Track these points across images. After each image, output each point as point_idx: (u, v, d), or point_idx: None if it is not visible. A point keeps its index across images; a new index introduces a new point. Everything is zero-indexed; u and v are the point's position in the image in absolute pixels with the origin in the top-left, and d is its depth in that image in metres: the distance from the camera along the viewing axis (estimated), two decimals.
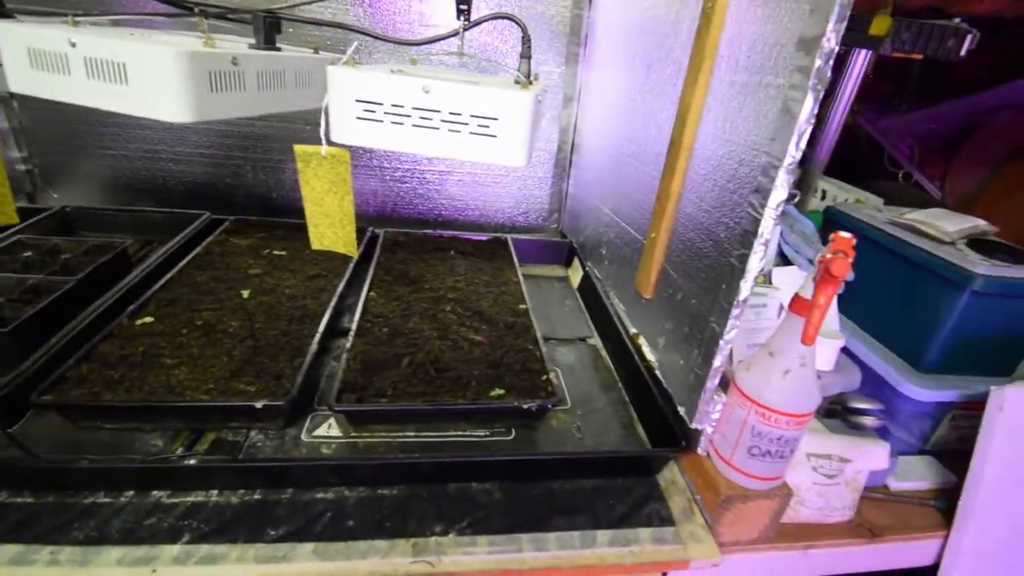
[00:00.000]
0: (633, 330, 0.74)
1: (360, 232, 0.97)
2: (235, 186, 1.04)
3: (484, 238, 1.03)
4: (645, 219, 0.73)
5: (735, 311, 0.49)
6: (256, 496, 0.52)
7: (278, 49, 0.55)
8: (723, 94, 0.54)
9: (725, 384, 0.55)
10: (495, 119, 0.48)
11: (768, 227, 0.45)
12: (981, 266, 0.63)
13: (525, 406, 0.58)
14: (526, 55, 0.58)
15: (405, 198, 1.09)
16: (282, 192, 1.05)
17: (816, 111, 0.41)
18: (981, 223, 0.73)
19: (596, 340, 0.83)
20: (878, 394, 0.69)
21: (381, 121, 0.48)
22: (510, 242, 1.02)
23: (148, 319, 0.66)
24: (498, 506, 0.53)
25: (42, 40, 0.43)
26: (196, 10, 0.53)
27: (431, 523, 0.51)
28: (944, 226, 0.71)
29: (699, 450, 0.56)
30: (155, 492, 0.51)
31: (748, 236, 0.47)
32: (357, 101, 0.48)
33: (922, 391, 0.65)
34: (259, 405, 0.54)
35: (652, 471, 0.59)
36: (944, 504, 0.63)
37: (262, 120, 0.99)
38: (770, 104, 0.46)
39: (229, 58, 0.46)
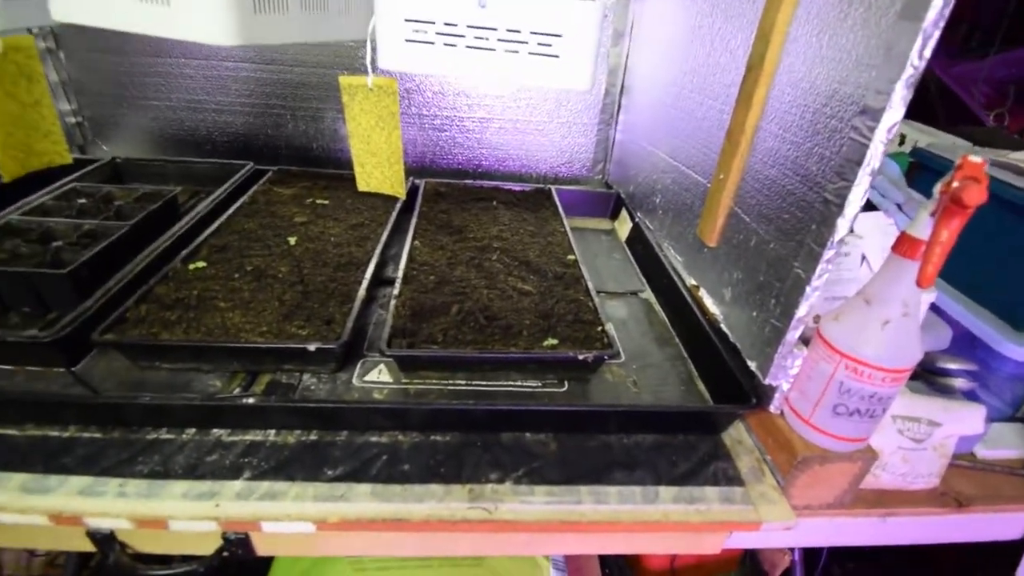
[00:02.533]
0: (692, 282, 0.70)
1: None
2: (276, 136, 1.02)
3: (527, 188, 0.99)
4: (711, 160, 0.67)
5: (827, 253, 0.44)
6: (312, 437, 0.51)
7: None
8: (816, 5, 0.47)
9: (804, 338, 0.50)
10: (558, 36, 0.43)
11: (878, 153, 0.40)
12: None
13: (580, 356, 0.55)
14: None
15: (444, 147, 1.05)
16: (322, 142, 1.03)
17: (947, 11, 0.35)
18: None
19: (648, 294, 0.79)
20: (969, 355, 0.62)
21: (432, 43, 0.45)
22: (554, 192, 0.97)
23: (200, 264, 0.66)
24: (554, 457, 0.51)
25: None
26: None
27: (486, 471, 0.49)
28: None
29: (771, 408, 0.52)
30: (215, 430, 0.51)
31: (850, 166, 0.42)
32: (407, 21, 0.44)
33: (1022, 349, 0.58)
34: (312, 348, 0.53)
35: (717, 428, 0.55)
36: None
37: (300, 67, 0.95)
38: (885, 6, 0.39)
39: None
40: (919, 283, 0.39)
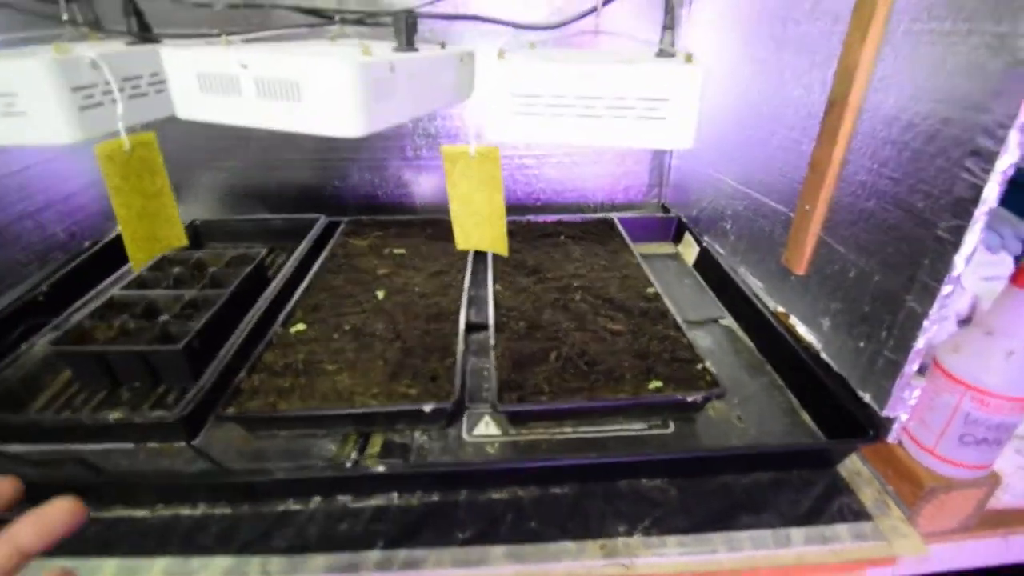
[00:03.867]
0: (780, 309, 0.70)
1: None
2: (342, 187, 1.05)
3: (590, 219, 1.00)
4: (789, 189, 0.67)
5: (945, 288, 0.44)
6: (435, 498, 0.53)
7: (416, 49, 0.53)
8: (908, 46, 0.48)
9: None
10: (664, 100, 0.44)
11: (994, 194, 0.40)
12: None
13: (689, 399, 0.56)
14: (670, 25, 0.54)
15: (504, 185, 1.07)
16: (387, 189, 1.06)
17: None
18: None
19: (729, 320, 0.79)
20: None
21: (541, 114, 0.46)
22: (617, 222, 0.98)
23: (300, 326, 0.68)
24: (675, 503, 0.51)
25: (213, 64, 0.44)
26: (336, 18, 0.52)
27: (612, 522, 0.50)
28: None
29: (890, 439, 0.52)
30: (340, 497, 0.53)
31: (963, 204, 0.42)
32: (515, 96, 0.46)
33: None
34: (427, 409, 0.55)
35: (833, 462, 0.55)
36: None
37: None
38: (989, 55, 0.39)
39: (388, 65, 0.45)
40: None
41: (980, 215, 0.41)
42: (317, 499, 0.53)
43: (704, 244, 0.90)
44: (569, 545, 0.48)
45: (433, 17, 0.55)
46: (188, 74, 0.45)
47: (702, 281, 0.89)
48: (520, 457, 0.55)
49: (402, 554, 0.48)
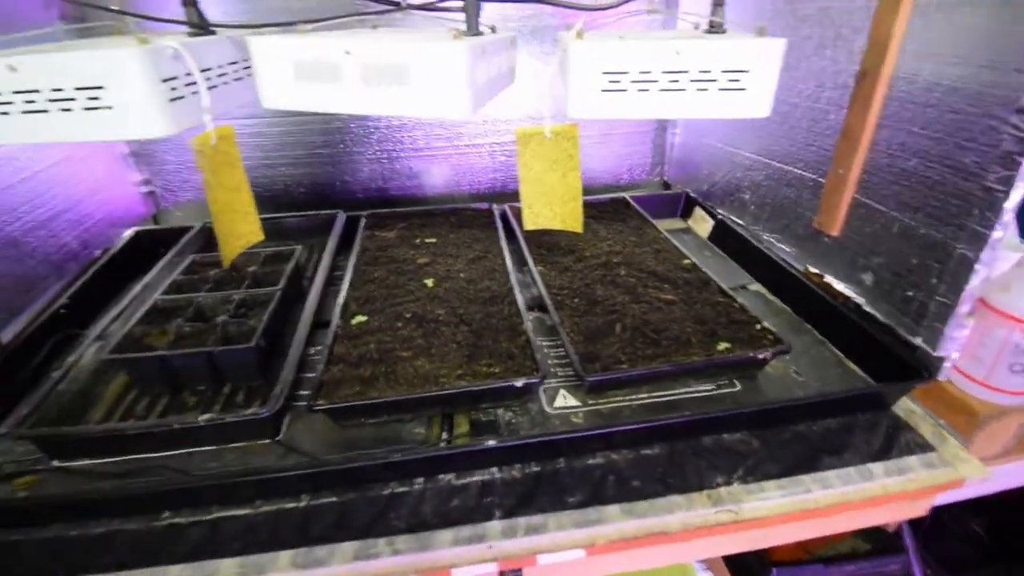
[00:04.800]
0: (812, 269, 0.75)
1: (485, 212, 0.97)
2: (352, 183, 1.04)
3: (604, 200, 1.03)
4: (816, 156, 0.72)
5: (995, 234, 0.49)
6: (535, 468, 0.54)
7: (482, 34, 0.54)
8: (943, 16, 0.53)
9: None
10: (746, 72, 0.47)
11: None
12: None
13: (761, 356, 0.60)
14: (720, 1, 0.57)
15: (514, 173, 1.08)
16: (399, 181, 1.05)
17: None
18: None
19: (757, 286, 0.84)
20: None
21: (626, 90, 0.48)
22: (631, 201, 1.01)
23: (361, 318, 0.68)
24: (761, 453, 0.55)
25: (314, 51, 0.43)
26: (403, 3, 0.52)
27: (709, 475, 0.53)
28: None
29: (940, 377, 0.58)
30: (442, 476, 0.54)
31: (1011, 157, 0.47)
32: (603, 73, 0.47)
33: None
34: (519, 384, 0.56)
35: (889, 404, 0.60)
36: None
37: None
38: None
39: (482, 48, 0.46)
40: None
41: None
42: (420, 480, 0.53)
43: (720, 216, 0.95)
44: (678, 498, 0.51)
45: (498, 0, 0.55)
46: (283, 63, 0.44)
47: (720, 252, 0.94)
48: (615, 422, 0.57)
49: (522, 521, 0.49)
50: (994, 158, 0.49)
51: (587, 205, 1.01)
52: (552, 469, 0.54)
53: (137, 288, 0.75)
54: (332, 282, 0.81)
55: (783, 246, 0.81)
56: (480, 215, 0.97)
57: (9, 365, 0.64)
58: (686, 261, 0.80)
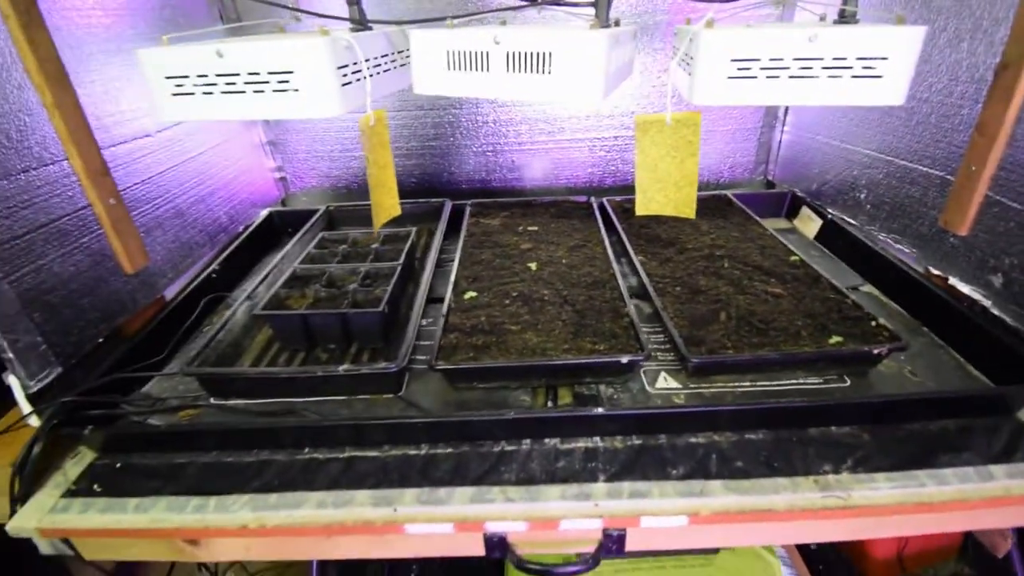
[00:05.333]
0: (935, 271, 0.71)
1: (583, 204, 1.01)
2: (457, 173, 1.11)
3: (705, 196, 1.03)
4: (945, 153, 0.69)
5: None
6: (637, 441, 0.56)
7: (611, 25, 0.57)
8: None
9: None
10: (884, 59, 0.47)
11: None
12: None
13: (875, 351, 0.58)
14: None
15: (612, 166, 1.11)
16: (500, 174, 1.11)
17: None
18: None
19: (869, 287, 0.81)
20: None
21: (755, 77, 0.50)
22: (733, 198, 1.01)
23: (472, 293, 0.73)
24: (872, 447, 0.54)
25: (465, 42, 0.49)
26: (539, 0, 0.57)
27: (816, 463, 0.53)
28: None
29: None
30: (547, 440, 0.57)
31: None
32: (732, 60, 0.49)
33: None
34: (624, 360, 0.59)
35: (1014, 409, 0.57)
36: None
37: (482, 106, 1.04)
38: None
39: (616, 37, 0.49)
40: None
41: None
42: (527, 441, 0.57)
43: (830, 216, 0.92)
44: (782, 480, 0.51)
45: None
46: (437, 52, 0.50)
47: (828, 252, 0.91)
48: (722, 402, 0.58)
49: (626, 485, 0.52)
50: None
51: None
52: (654, 444, 0.56)
53: (277, 258, 0.85)
54: (441, 264, 0.87)
55: (901, 247, 0.77)
56: (579, 207, 1.00)
57: (170, 318, 0.76)
58: (794, 257, 0.79)
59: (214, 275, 0.87)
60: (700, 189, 1.10)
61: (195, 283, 0.83)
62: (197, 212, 0.88)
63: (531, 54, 0.47)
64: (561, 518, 0.50)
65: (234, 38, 0.56)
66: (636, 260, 0.79)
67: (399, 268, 0.76)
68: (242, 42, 0.50)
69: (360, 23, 0.59)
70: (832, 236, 0.91)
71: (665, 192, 0.60)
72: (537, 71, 0.47)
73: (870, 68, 0.48)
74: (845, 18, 0.56)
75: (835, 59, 0.48)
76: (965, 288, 0.66)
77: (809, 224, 0.97)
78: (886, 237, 0.80)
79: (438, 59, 0.50)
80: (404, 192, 1.10)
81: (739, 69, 0.50)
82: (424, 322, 0.75)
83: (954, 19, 0.67)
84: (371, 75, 0.57)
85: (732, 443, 0.56)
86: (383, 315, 0.67)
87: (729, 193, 1.02)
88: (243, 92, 0.52)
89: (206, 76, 0.51)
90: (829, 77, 0.49)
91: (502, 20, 0.65)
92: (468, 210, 1.00)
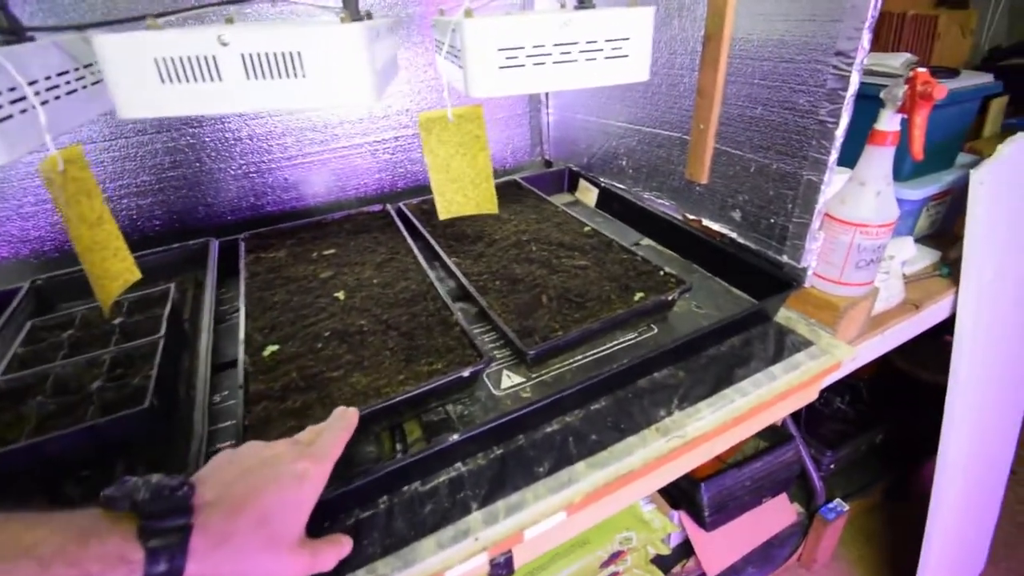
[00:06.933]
0: (691, 216, 0.84)
1: (380, 214, 0.94)
2: (216, 204, 0.93)
3: (499, 184, 1.04)
4: (678, 117, 0.81)
5: (831, 158, 0.60)
6: (498, 451, 0.54)
7: (371, 17, 0.51)
8: None
9: None
10: (627, 39, 0.51)
11: (856, 80, 0.56)
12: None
13: (669, 298, 0.66)
14: None
15: (401, 168, 1.05)
16: (274, 196, 0.96)
17: None
18: (909, 55, 0.91)
19: (648, 241, 0.92)
20: None
21: (523, 65, 0.49)
22: (522, 182, 1.05)
23: (273, 348, 0.61)
24: (686, 381, 0.61)
25: (180, 46, 0.37)
26: None
27: (652, 411, 0.58)
28: (891, 63, 0.88)
29: (807, 284, 0.69)
30: (406, 487, 0.51)
31: (836, 93, 0.57)
32: (500, 50, 0.48)
33: (913, 192, 0.84)
34: (467, 373, 0.55)
35: (771, 316, 0.70)
36: (947, 270, 0.84)
37: (229, 122, 0.88)
38: None
39: (376, 29, 0.43)
40: (914, 156, 0.57)
41: (850, 97, 0.57)
42: (385, 498, 0.50)
43: (603, 184, 1.02)
44: (632, 439, 0.55)
45: None
46: (141, 62, 0.38)
47: (609, 216, 1.01)
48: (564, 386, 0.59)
49: (500, 504, 0.49)
50: (822, 96, 0.59)
51: None
52: (516, 447, 0.55)
53: None
54: (223, 319, 0.72)
55: (662, 201, 0.89)
56: (376, 218, 0.93)
57: None
58: (587, 228, 0.85)
59: None
60: None
61: None
62: None
63: (275, 55, 0.39)
64: (444, 571, 0.45)
65: None
66: (450, 262, 0.76)
67: (162, 341, 0.59)
68: None
69: (12, 32, 0.42)
70: (609, 201, 1.01)
71: (464, 192, 0.57)
72: (286, 75, 0.39)
73: (618, 48, 0.51)
74: (584, 3, 0.59)
75: (588, 42, 0.50)
76: (716, 226, 0.80)
77: (588, 194, 1.06)
78: (650, 195, 0.92)
79: (145, 71, 0.38)
80: (147, 241, 0.89)
81: (507, 58, 0.49)
82: (218, 398, 0.61)
83: (662, 3, 0.77)
84: (44, 103, 0.41)
85: (582, 419, 0.57)
86: (151, 411, 0.52)
87: (517, 177, 1.06)
88: None
89: None
90: (586, 60, 0.51)
91: (228, 17, 0.54)
92: (243, 245, 0.84)
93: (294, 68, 0.39)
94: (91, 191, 0.41)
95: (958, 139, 0.93)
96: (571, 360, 0.64)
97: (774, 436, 1.12)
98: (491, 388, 0.61)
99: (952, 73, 0.91)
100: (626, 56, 0.52)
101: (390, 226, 0.89)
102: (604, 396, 0.60)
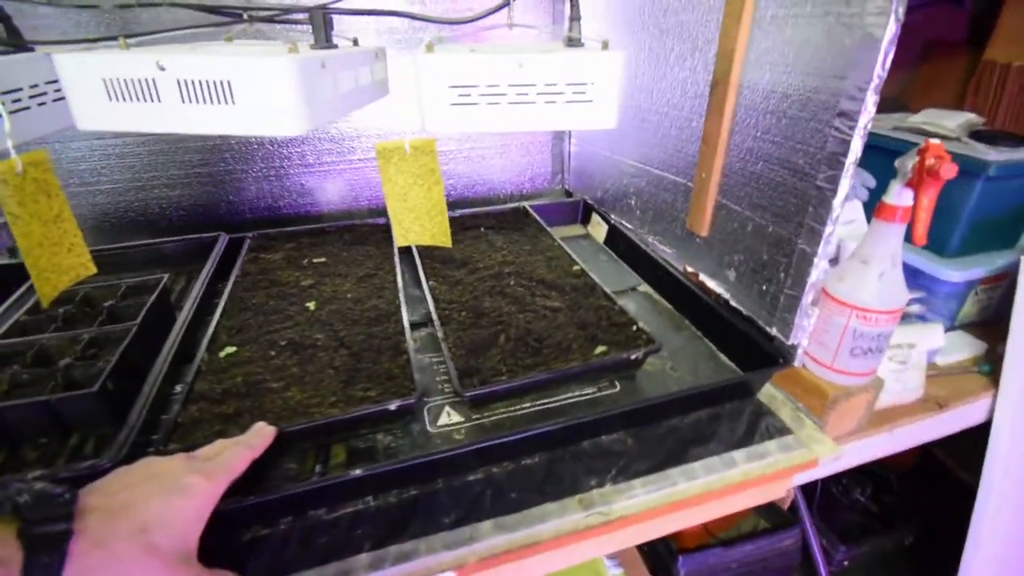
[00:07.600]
0: (689, 269, 0.78)
1: (382, 227, 0.95)
2: (238, 202, 0.98)
3: (505, 210, 1.04)
4: (685, 162, 0.76)
5: (828, 228, 0.54)
6: (413, 492, 0.53)
7: (336, 46, 0.52)
8: (775, 28, 0.57)
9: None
10: (591, 84, 0.48)
11: (858, 146, 0.49)
12: (991, 154, 0.70)
13: (632, 356, 0.61)
14: (576, 16, 0.59)
15: None
16: (289, 199, 1.01)
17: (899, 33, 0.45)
18: (972, 116, 0.80)
19: (645, 287, 0.87)
20: (913, 284, 0.77)
21: (476, 104, 0.48)
22: (530, 209, 1.03)
23: (230, 349, 0.64)
24: (635, 451, 0.57)
25: (123, 68, 0.40)
26: (245, 16, 0.50)
27: (584, 478, 0.54)
28: (946, 123, 0.78)
29: (796, 363, 0.62)
30: (311, 512, 0.51)
31: (836, 157, 0.51)
32: (452, 87, 0.47)
33: (955, 272, 0.73)
34: (393, 407, 0.54)
35: (754, 391, 0.64)
36: (987, 368, 0.72)
37: None
38: (844, 32, 0.49)
39: (320, 61, 0.44)
40: (916, 240, 0.50)
41: (850, 164, 0.51)
42: (288, 519, 0.50)
43: (613, 222, 0.98)
44: (551, 506, 0.51)
45: (352, 13, 0.54)
46: (91, 81, 0.40)
47: (614, 255, 0.97)
48: (487, 437, 0.57)
49: (392, 550, 0.47)
50: (822, 158, 0.53)
51: (486, 215, 1.01)
52: (431, 490, 0.53)
53: None
54: (208, 311, 0.75)
55: (665, 247, 0.84)
56: (377, 230, 0.95)
57: None
58: (576, 267, 0.82)
59: None
60: (503, 201, 1.13)
61: None
62: None
63: (207, 82, 0.40)
64: None
65: None
66: (426, 286, 0.76)
67: (134, 328, 0.63)
68: None
69: (13, 45, 0.47)
70: (616, 240, 0.97)
71: (420, 222, 0.57)
72: (218, 101, 0.40)
73: (580, 93, 0.49)
74: (573, 42, 0.57)
75: (548, 85, 0.48)
76: (711, 283, 0.74)
77: (599, 229, 1.03)
78: (654, 239, 0.87)
79: (95, 88, 0.41)
80: (172, 228, 0.97)
81: (460, 96, 0.48)
82: (178, 389, 0.63)
83: (678, 40, 0.73)
84: (24, 108, 0.45)
85: (509, 473, 0.55)
86: (102, 394, 0.55)
87: (526, 204, 1.04)
88: None
89: None
90: (546, 103, 0.49)
91: (228, 36, 0.56)
92: (247, 244, 0.89)
93: (225, 96, 0.40)
94: (52, 191, 0.45)
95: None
96: (517, 407, 0.61)
97: (776, 517, 1.02)
98: (427, 423, 0.60)
99: (1020, 141, 0.79)
100: (590, 101, 0.49)
101: (387, 240, 0.90)
102: (540, 452, 0.56)
